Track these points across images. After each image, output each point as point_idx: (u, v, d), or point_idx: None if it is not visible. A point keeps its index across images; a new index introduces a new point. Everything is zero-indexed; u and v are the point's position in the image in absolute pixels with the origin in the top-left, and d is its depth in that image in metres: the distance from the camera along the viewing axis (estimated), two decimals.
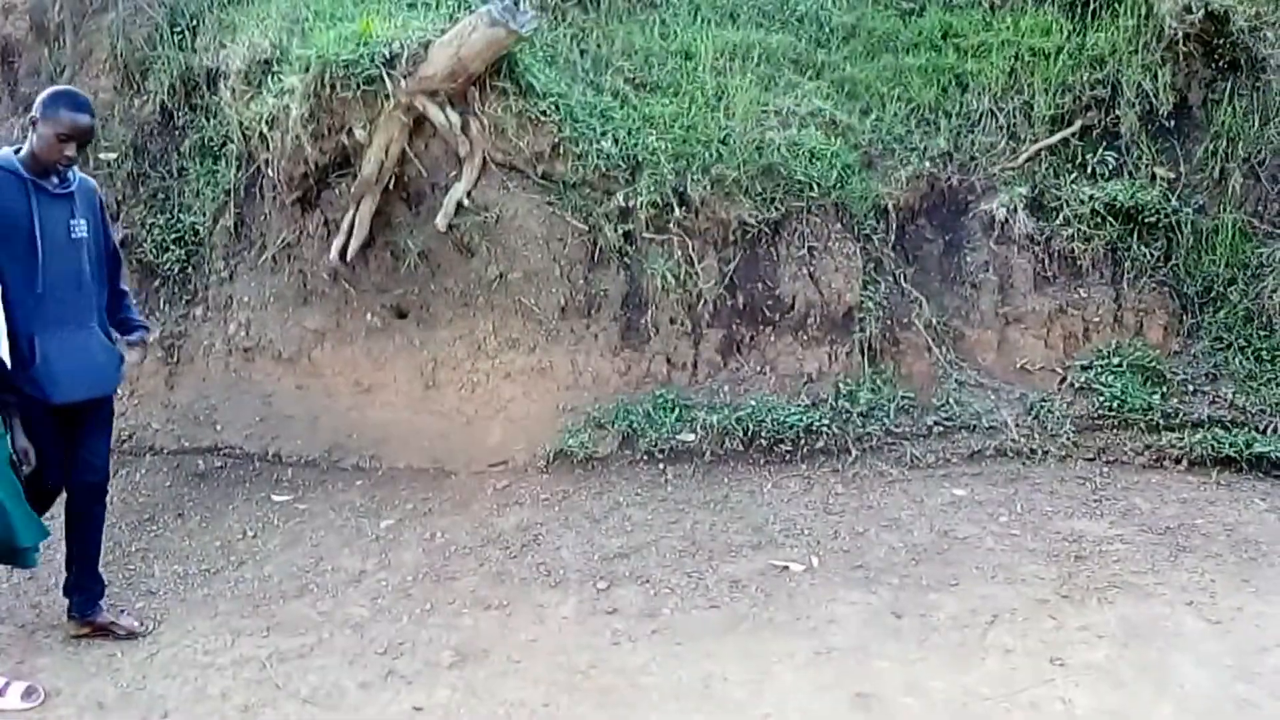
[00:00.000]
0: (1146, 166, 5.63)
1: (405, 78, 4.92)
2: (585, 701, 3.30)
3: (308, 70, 4.99)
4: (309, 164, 5.21)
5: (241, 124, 5.40)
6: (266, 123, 5.20)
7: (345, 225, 5.26)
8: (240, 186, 5.62)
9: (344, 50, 4.95)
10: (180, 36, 5.85)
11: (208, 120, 5.74)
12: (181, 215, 5.77)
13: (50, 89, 3.62)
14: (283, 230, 5.49)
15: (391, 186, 5.25)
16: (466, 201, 5.15)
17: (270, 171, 5.38)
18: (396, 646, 3.68)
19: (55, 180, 3.54)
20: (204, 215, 5.71)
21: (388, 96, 4.96)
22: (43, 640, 3.79)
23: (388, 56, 4.92)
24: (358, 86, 4.94)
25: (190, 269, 5.74)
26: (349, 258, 5.28)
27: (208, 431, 5.34)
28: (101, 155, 5.83)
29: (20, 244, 3.43)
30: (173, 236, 5.74)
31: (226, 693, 3.45)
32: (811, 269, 5.25)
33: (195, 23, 5.88)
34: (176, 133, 5.87)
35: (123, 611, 3.92)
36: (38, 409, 3.46)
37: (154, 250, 5.75)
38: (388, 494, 4.85)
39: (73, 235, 3.58)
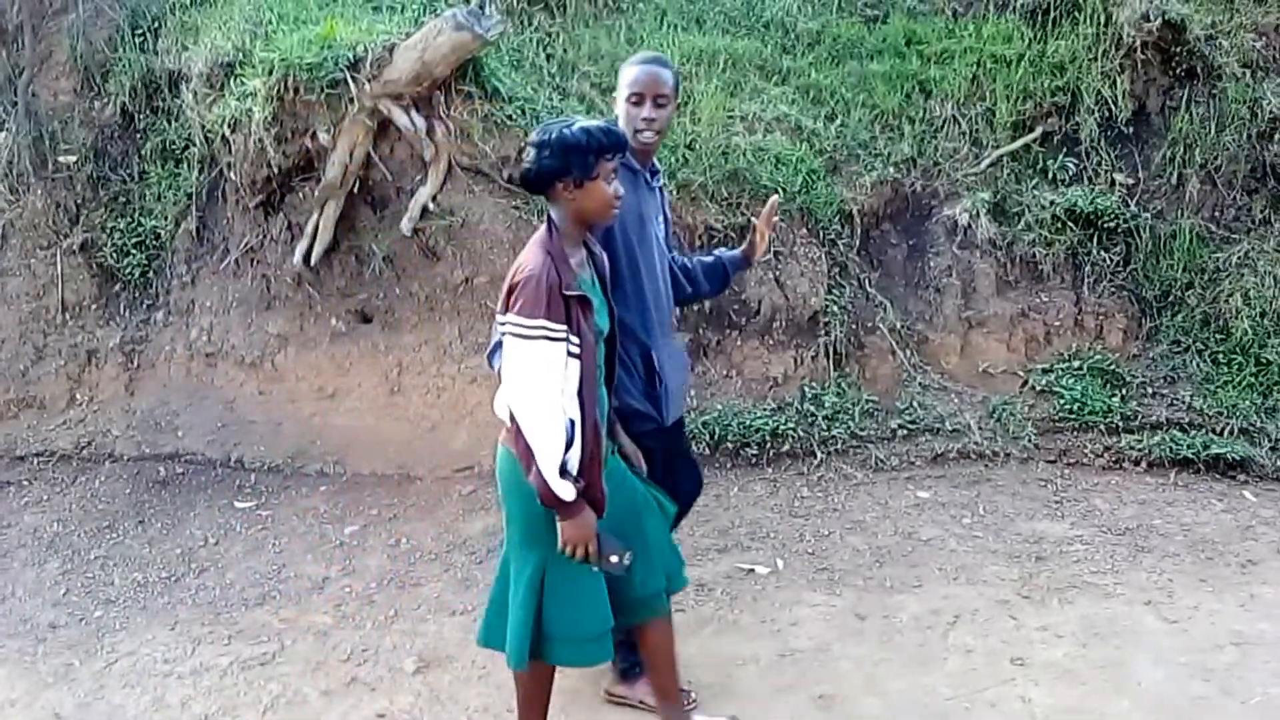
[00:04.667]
0: (1106, 172, 5.72)
1: (370, 81, 4.89)
2: (550, 707, 3.28)
3: (271, 73, 4.95)
4: (272, 167, 5.17)
5: (204, 127, 5.35)
6: (229, 126, 5.16)
7: (309, 229, 5.22)
8: (202, 190, 5.57)
9: (307, 53, 4.92)
10: (141, 39, 5.79)
11: (169, 123, 5.69)
12: (143, 219, 5.71)
13: (634, 58, 3.03)
14: (245, 234, 5.44)
15: (356, 190, 5.22)
16: (432, 205, 5.13)
17: (233, 175, 5.33)
18: (360, 653, 3.66)
19: (649, 173, 3.07)
20: (165, 219, 5.66)
21: (352, 100, 4.93)
22: None
23: (352, 60, 4.89)
24: (321, 90, 4.90)
25: (151, 273, 5.68)
26: (313, 262, 5.24)
27: (169, 437, 5.28)
28: (61, 158, 5.76)
29: (633, 240, 2.97)
30: (134, 240, 5.69)
31: (186, 702, 3.42)
32: (777, 273, 5.28)
33: (157, 25, 5.82)
34: (138, 136, 5.81)
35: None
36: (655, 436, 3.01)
37: (114, 254, 5.69)
38: (352, 500, 4.82)
39: (658, 231, 3.10)
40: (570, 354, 2.47)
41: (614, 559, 2.58)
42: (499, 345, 2.65)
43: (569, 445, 2.49)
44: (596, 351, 2.59)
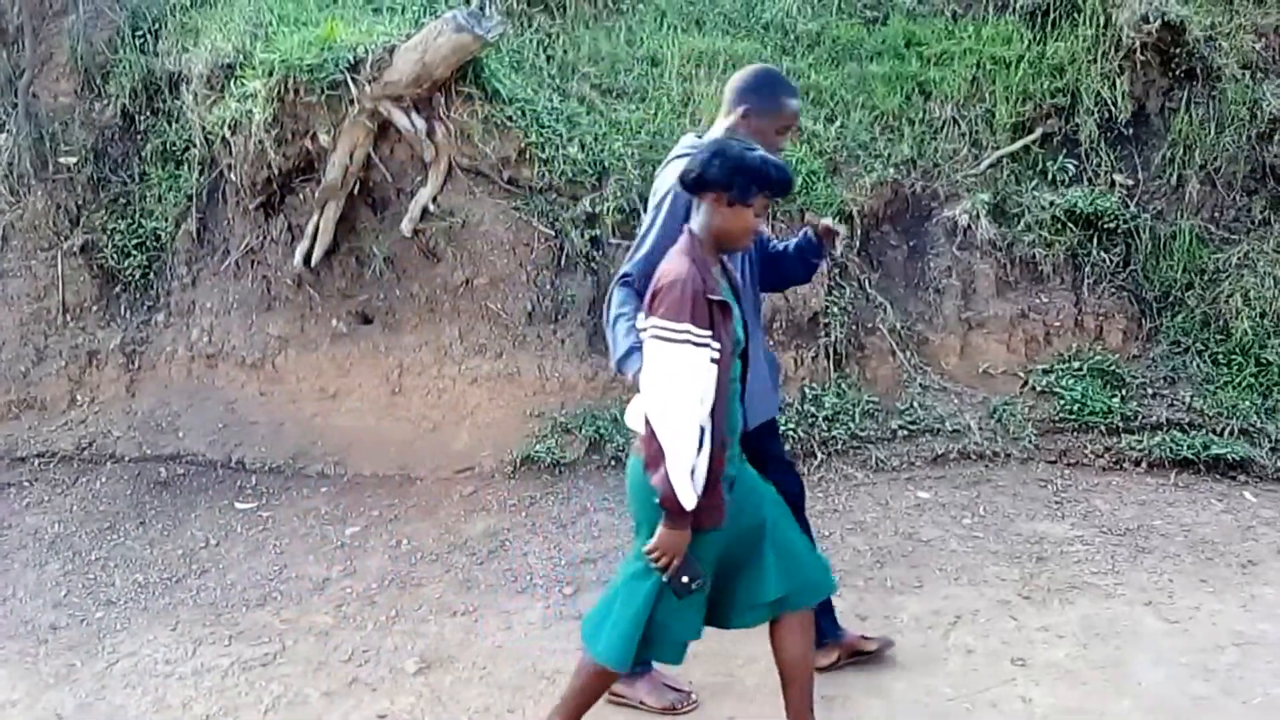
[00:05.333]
0: (1106, 173, 5.72)
1: (370, 83, 4.90)
2: (551, 707, 3.28)
3: (271, 75, 4.96)
4: (272, 169, 5.18)
5: (204, 129, 5.36)
6: (229, 127, 5.17)
7: (309, 230, 5.23)
8: (203, 191, 5.58)
9: (308, 55, 4.93)
10: (142, 40, 5.80)
11: (170, 125, 5.69)
12: (143, 220, 5.72)
13: (757, 71, 3.08)
14: (246, 236, 5.45)
15: (356, 192, 5.23)
16: (432, 207, 5.14)
17: (233, 176, 5.34)
18: (361, 654, 3.66)
19: None
20: (166, 220, 5.66)
21: (352, 101, 4.94)
22: None
23: (352, 61, 4.90)
24: (321, 91, 4.91)
25: (152, 274, 5.69)
26: (313, 263, 5.25)
27: (170, 439, 5.28)
28: (61, 160, 5.77)
29: None
30: (134, 242, 5.69)
31: (187, 702, 3.42)
32: None
33: (157, 26, 5.83)
34: (138, 137, 5.82)
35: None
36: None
37: (115, 256, 5.69)
38: (353, 501, 4.82)
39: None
40: (711, 360, 2.48)
41: (684, 579, 2.57)
42: (633, 350, 2.67)
43: (698, 451, 2.49)
44: (733, 364, 2.59)
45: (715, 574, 2.69)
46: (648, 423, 2.49)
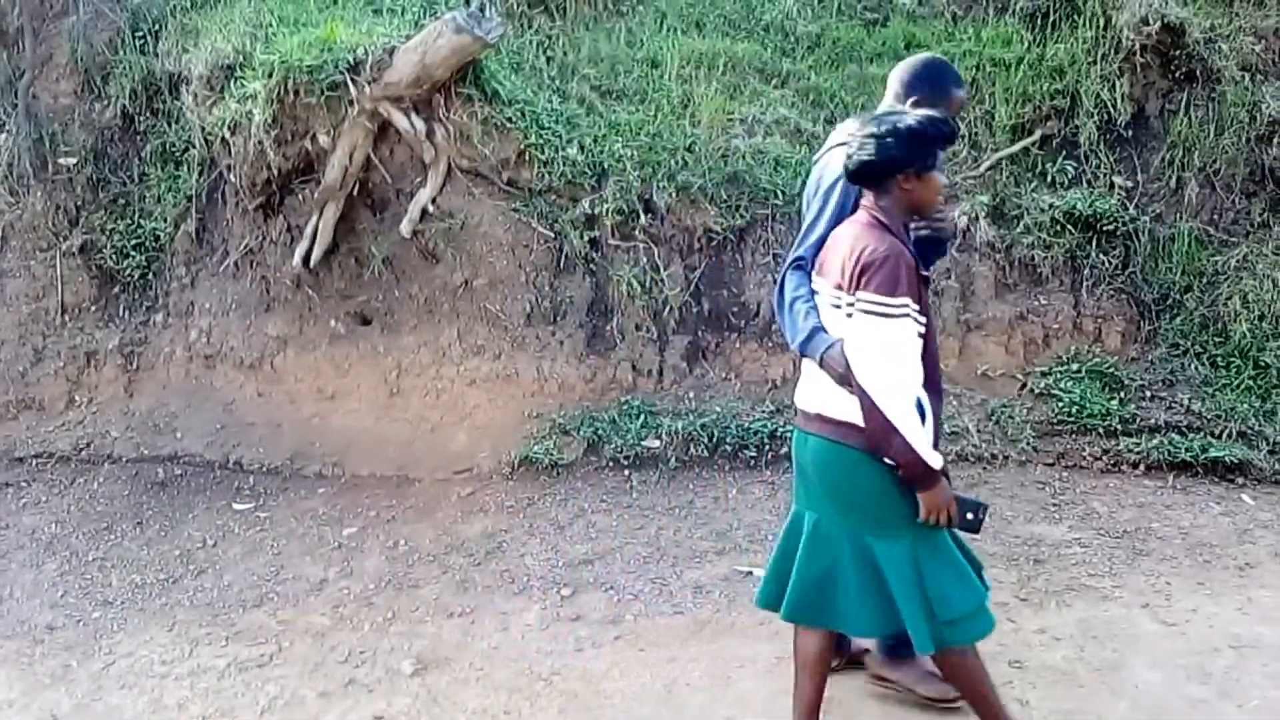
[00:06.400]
0: (1105, 175, 5.71)
1: (370, 84, 4.90)
2: (548, 708, 3.29)
3: (271, 76, 4.96)
4: (272, 170, 5.18)
5: (204, 129, 5.36)
6: (229, 128, 5.17)
7: (308, 231, 5.23)
8: (202, 192, 5.58)
9: (308, 56, 4.93)
10: (142, 41, 5.80)
11: (169, 125, 5.70)
12: (142, 221, 5.72)
13: (926, 61, 3.02)
14: (245, 236, 5.45)
15: (355, 193, 5.23)
16: (431, 208, 5.14)
17: (233, 177, 5.35)
18: (357, 655, 3.66)
19: None
20: (165, 221, 5.67)
21: (352, 102, 4.94)
22: None
23: (352, 62, 4.91)
24: (321, 92, 4.92)
25: (151, 275, 5.69)
26: (312, 264, 5.25)
27: (168, 439, 5.28)
28: (61, 160, 5.77)
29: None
30: (133, 242, 5.70)
31: (183, 703, 3.42)
32: (776, 276, 5.27)
33: (157, 27, 5.83)
34: (138, 138, 5.83)
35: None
36: None
37: (114, 256, 5.70)
38: (350, 502, 4.82)
39: None
40: (919, 334, 2.51)
41: (970, 515, 2.61)
42: (816, 331, 2.65)
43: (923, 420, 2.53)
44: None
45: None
46: (869, 399, 2.47)
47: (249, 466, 5.12)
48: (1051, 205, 5.54)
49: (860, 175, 2.60)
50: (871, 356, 2.48)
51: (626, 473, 4.87)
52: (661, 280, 5.22)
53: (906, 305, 2.45)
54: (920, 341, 2.53)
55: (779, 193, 5.29)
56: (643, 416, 5.02)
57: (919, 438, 2.48)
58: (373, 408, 5.22)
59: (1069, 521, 4.47)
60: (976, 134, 5.82)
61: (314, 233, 5.22)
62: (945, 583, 2.64)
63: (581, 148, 5.24)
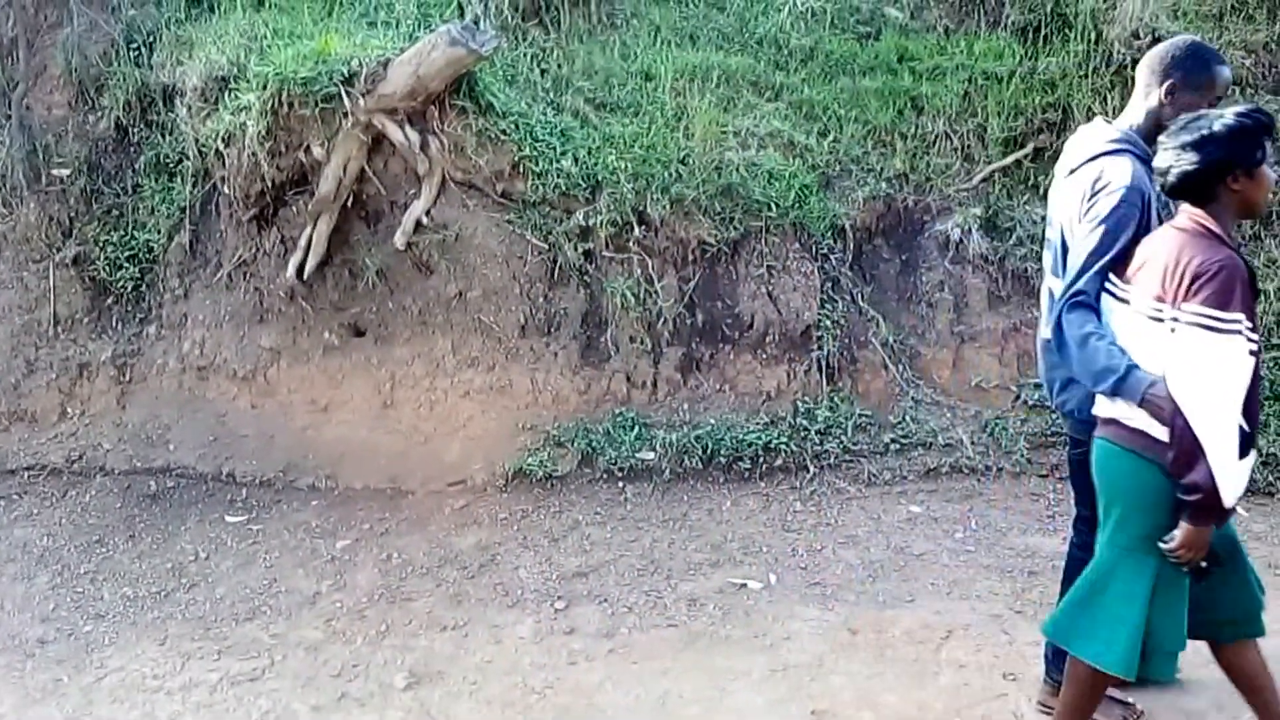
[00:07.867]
0: None
1: (364, 96, 4.91)
2: None
3: (265, 88, 4.96)
4: (266, 181, 5.18)
5: (198, 141, 5.36)
6: (223, 140, 5.17)
7: (302, 243, 5.23)
8: (196, 204, 5.58)
9: (302, 68, 4.93)
10: (136, 53, 5.80)
11: (163, 137, 5.70)
12: (136, 232, 5.71)
13: (1183, 43, 2.76)
14: (239, 248, 5.44)
15: (350, 204, 5.23)
16: (425, 220, 5.14)
17: (226, 189, 5.34)
18: (350, 669, 3.64)
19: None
20: (159, 232, 5.66)
21: (346, 114, 4.94)
22: None
23: (346, 75, 4.91)
24: (316, 104, 4.92)
25: (144, 286, 5.68)
26: (306, 276, 5.25)
27: (160, 451, 5.26)
28: (55, 171, 5.77)
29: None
30: (127, 254, 5.69)
31: (175, 717, 3.40)
32: (770, 288, 5.29)
33: (152, 39, 5.83)
34: (132, 149, 5.82)
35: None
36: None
37: (107, 268, 5.68)
38: (344, 514, 4.81)
39: None
40: (1251, 352, 2.33)
41: (1204, 565, 2.47)
42: (1131, 370, 2.46)
43: (1243, 454, 2.36)
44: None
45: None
46: (1181, 416, 2.33)
47: (242, 479, 5.10)
48: (1044, 217, 5.55)
49: (1183, 189, 2.45)
50: (1194, 373, 2.32)
51: (620, 485, 4.87)
52: (655, 292, 5.23)
53: (1239, 321, 2.29)
54: (1252, 362, 2.34)
55: (773, 205, 5.30)
56: (637, 428, 5.02)
57: (1226, 470, 2.31)
58: (366, 419, 5.21)
59: (1063, 533, 4.44)
60: (969, 146, 5.84)
61: (308, 244, 5.22)
62: (1168, 615, 2.53)
63: (576, 160, 5.25)
